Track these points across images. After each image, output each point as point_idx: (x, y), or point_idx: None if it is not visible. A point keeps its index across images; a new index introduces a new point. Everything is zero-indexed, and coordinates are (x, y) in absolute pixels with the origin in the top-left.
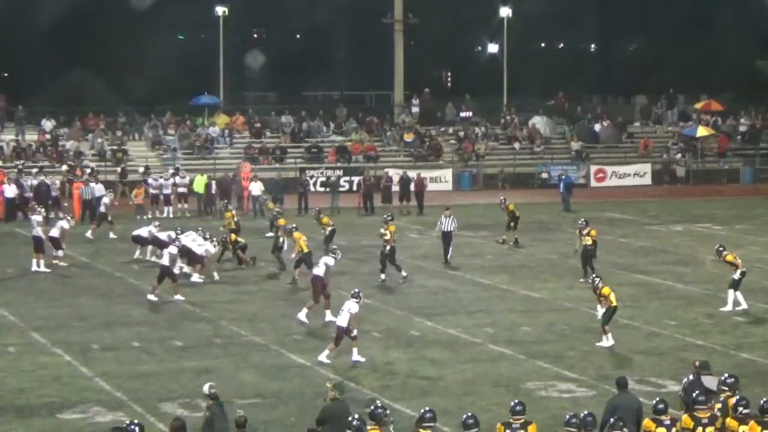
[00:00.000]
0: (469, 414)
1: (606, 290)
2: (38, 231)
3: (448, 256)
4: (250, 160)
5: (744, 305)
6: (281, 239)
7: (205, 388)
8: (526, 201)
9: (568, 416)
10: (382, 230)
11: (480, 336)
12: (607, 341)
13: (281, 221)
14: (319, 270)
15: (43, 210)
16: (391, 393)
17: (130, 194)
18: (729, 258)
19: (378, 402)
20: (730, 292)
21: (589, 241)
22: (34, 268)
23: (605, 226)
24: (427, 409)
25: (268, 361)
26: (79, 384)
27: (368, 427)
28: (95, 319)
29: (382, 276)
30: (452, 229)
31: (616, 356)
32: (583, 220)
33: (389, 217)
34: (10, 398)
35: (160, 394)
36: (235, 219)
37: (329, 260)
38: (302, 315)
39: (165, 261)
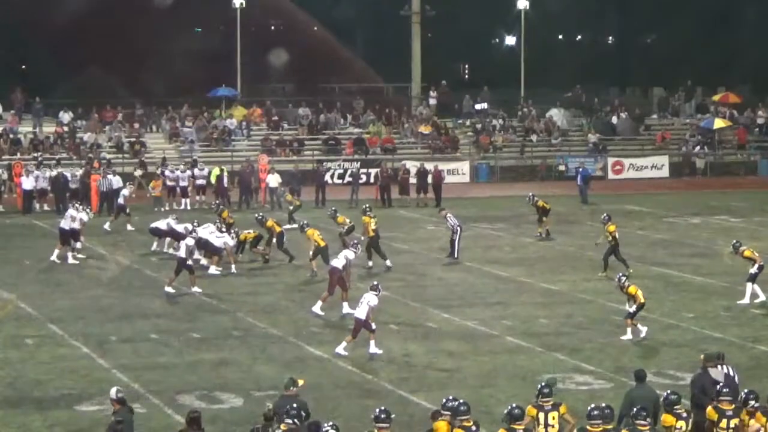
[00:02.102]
0: (514, 405)
1: (632, 289)
2: (69, 223)
3: (455, 253)
4: (268, 152)
5: (762, 297)
6: (268, 236)
7: (112, 392)
8: (544, 193)
9: (589, 408)
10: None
11: (497, 328)
12: (628, 335)
13: (269, 222)
14: (338, 262)
15: (79, 205)
16: (408, 385)
17: (148, 186)
18: (747, 253)
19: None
20: (748, 285)
21: (607, 236)
22: (71, 261)
23: (623, 218)
24: (461, 401)
25: (285, 353)
26: (97, 376)
27: (441, 417)
28: (113, 311)
29: (387, 262)
30: (453, 226)
31: (634, 349)
32: (605, 214)
33: (367, 208)
34: (29, 390)
35: (178, 386)
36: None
37: (349, 253)
38: (317, 308)
39: (182, 253)
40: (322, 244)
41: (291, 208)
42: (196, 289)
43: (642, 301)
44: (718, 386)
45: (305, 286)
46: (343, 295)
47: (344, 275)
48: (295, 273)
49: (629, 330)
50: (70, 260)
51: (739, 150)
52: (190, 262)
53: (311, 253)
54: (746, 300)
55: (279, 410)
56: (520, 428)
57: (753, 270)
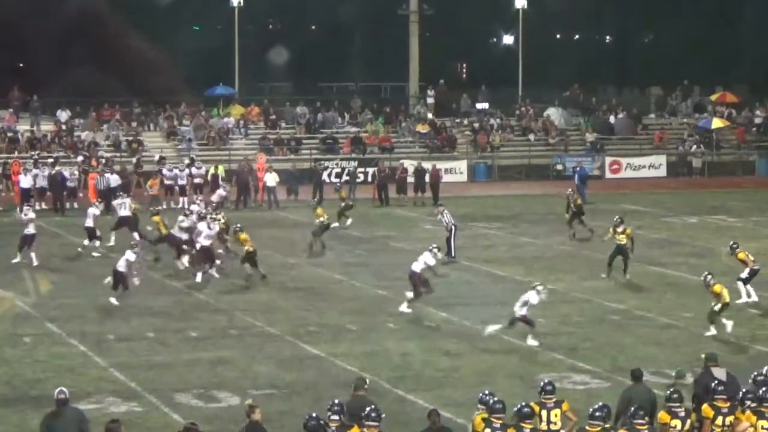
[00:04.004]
0: (524, 404)
1: (717, 288)
2: (31, 228)
3: (452, 252)
4: (265, 151)
5: (754, 298)
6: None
7: (56, 391)
8: (542, 192)
9: (592, 410)
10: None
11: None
12: (712, 330)
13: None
14: (417, 266)
15: (30, 208)
16: (405, 384)
17: (145, 185)
18: (741, 256)
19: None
20: (740, 284)
21: (623, 239)
22: (17, 260)
23: None
24: (497, 399)
25: (282, 352)
26: (94, 374)
27: (477, 413)
28: (110, 309)
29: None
30: (447, 224)
31: (631, 348)
32: (618, 217)
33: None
34: (26, 388)
35: (175, 384)
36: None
37: (429, 258)
38: (404, 307)
39: (121, 266)
40: (251, 249)
41: (342, 204)
42: (113, 300)
43: (727, 300)
44: (713, 385)
45: (303, 284)
46: (410, 297)
47: (423, 278)
48: (292, 272)
49: (713, 327)
50: (21, 260)
51: (739, 150)
52: (134, 278)
53: (239, 259)
54: (744, 299)
55: (351, 411)
56: (529, 427)
57: (743, 274)
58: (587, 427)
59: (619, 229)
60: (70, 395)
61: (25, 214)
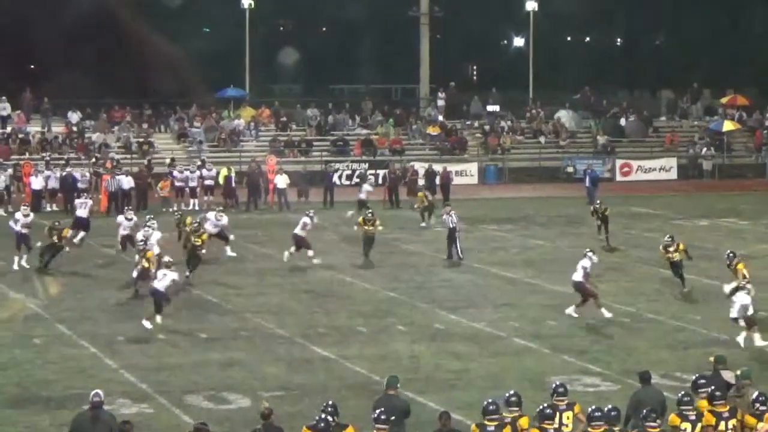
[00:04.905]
0: (545, 405)
1: None
2: (19, 227)
3: (459, 253)
4: (276, 153)
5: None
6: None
7: (91, 394)
8: (552, 195)
9: (590, 410)
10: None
11: (505, 330)
12: None
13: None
14: (577, 275)
15: (27, 208)
16: (415, 386)
17: (156, 187)
18: (739, 267)
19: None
20: (740, 294)
21: (677, 257)
22: (15, 266)
23: (631, 220)
24: (490, 401)
25: (292, 353)
26: (105, 376)
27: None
28: (120, 311)
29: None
30: (454, 225)
31: (641, 351)
32: (669, 236)
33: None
34: (37, 390)
35: (185, 386)
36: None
37: (586, 262)
38: (571, 310)
39: (162, 287)
40: (152, 267)
41: (426, 204)
42: (146, 323)
43: None
44: (709, 389)
45: (312, 287)
46: (578, 302)
47: (588, 283)
48: (302, 274)
49: None
50: (23, 264)
51: (759, 152)
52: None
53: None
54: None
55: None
56: (551, 427)
57: (731, 286)
58: (589, 429)
59: (671, 248)
60: (80, 397)
61: (24, 215)
